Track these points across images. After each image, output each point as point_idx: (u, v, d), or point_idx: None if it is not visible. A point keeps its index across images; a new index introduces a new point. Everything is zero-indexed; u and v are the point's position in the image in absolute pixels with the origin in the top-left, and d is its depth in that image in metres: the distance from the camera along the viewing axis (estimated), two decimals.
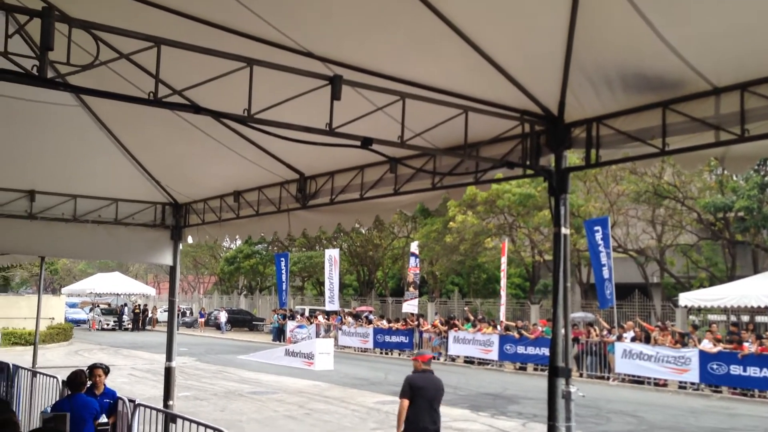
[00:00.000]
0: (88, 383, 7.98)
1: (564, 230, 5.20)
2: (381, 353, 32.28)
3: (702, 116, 4.47)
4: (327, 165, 7.29)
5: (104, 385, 8.31)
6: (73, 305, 53.60)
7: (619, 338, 23.23)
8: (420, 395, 8.32)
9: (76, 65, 3.63)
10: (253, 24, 4.85)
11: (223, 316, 48.22)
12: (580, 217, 30.53)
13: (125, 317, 50.60)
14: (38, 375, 11.70)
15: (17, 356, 20.08)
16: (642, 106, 4.78)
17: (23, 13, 3.49)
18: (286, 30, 4.92)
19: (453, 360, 28.73)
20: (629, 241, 34.13)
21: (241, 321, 50.06)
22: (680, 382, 21.51)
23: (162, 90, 4.10)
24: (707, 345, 21.00)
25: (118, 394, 8.59)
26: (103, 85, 4.60)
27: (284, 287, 38.27)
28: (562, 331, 5.14)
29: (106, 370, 8.44)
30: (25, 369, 12.30)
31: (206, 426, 7.27)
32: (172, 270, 10.24)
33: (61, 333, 35.22)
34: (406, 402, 8.27)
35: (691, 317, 30.20)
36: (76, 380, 7.68)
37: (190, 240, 10.40)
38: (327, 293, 36.63)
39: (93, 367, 8.32)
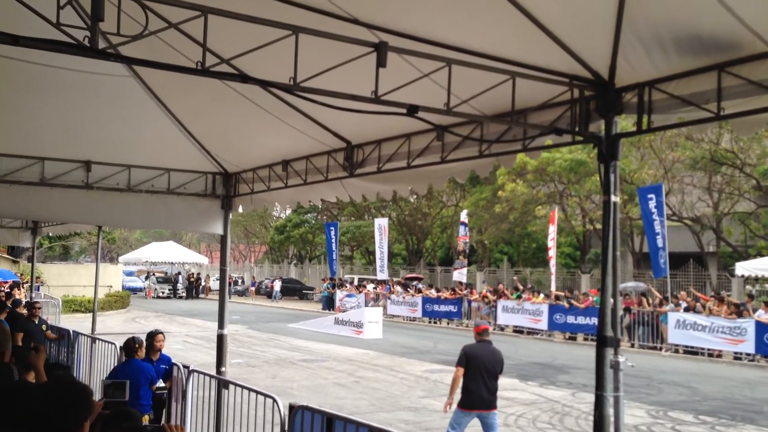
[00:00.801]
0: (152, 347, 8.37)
1: (614, 198, 5.10)
2: (430, 322, 32.44)
3: (759, 79, 4.30)
4: (374, 133, 7.27)
5: (161, 351, 8.57)
6: (129, 273, 55.22)
7: (676, 306, 22.75)
8: (475, 364, 8.50)
9: (126, 36, 3.68)
10: None
11: (277, 285, 48.94)
12: (634, 184, 29.94)
13: (179, 285, 51.86)
14: (97, 341, 12.12)
15: (78, 323, 20.83)
16: (696, 69, 4.63)
17: None
18: None
19: (502, 329, 28.71)
20: (684, 209, 33.37)
21: (292, 290, 50.82)
22: (735, 352, 21.10)
23: (210, 59, 4.14)
24: (763, 315, 20.50)
25: (173, 360, 8.85)
26: (152, 55, 4.66)
27: (334, 256, 38.71)
28: (611, 300, 5.07)
29: (164, 337, 8.74)
30: (84, 335, 12.76)
31: (258, 392, 7.44)
32: (223, 239, 10.41)
33: (119, 300, 36.36)
34: (461, 370, 8.52)
35: (747, 287, 29.49)
36: (131, 346, 7.94)
37: (240, 209, 10.55)
38: (378, 262, 37.00)
39: (154, 333, 8.61)
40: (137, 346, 8.02)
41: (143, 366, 7.90)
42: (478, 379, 8.52)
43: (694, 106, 4.70)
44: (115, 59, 4.03)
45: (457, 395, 8.75)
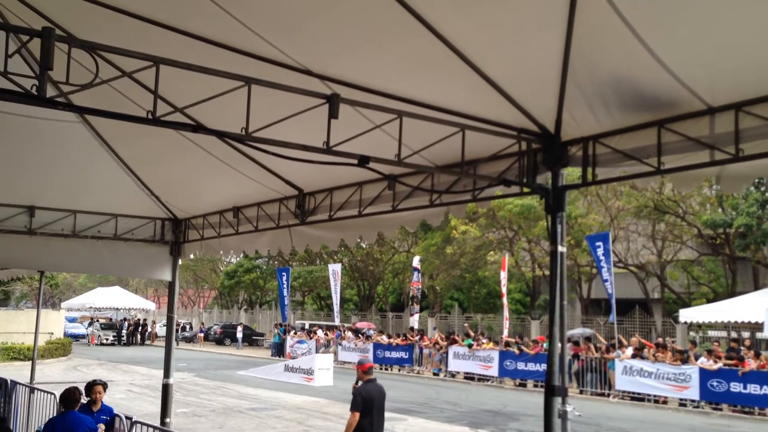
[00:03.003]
0: (84, 400, 7.95)
1: (560, 248, 5.21)
2: (381, 369, 32.17)
3: (697, 135, 4.49)
4: (325, 181, 7.31)
5: (101, 402, 8.28)
6: (72, 320, 53.55)
7: (639, 353, 22.96)
8: (371, 405, 8.26)
9: (76, 84, 3.66)
10: (251, 41, 4.90)
11: (239, 332, 47.88)
12: (581, 231, 30.55)
13: (124, 332, 50.47)
14: (36, 391, 11.68)
15: (16, 371, 20.05)
16: (638, 124, 4.81)
17: (24, 33, 3.53)
18: (285, 47, 4.96)
19: (453, 376, 28.63)
20: (630, 256, 34.12)
21: (242, 336, 49.91)
22: (680, 399, 21.42)
23: (162, 107, 4.14)
24: (706, 362, 20.93)
25: (115, 411, 8.57)
26: (103, 103, 4.63)
27: (286, 302, 38.32)
28: (559, 348, 5.14)
29: (105, 387, 8.42)
30: (23, 385, 12.28)
31: None
32: (171, 285, 10.24)
33: (60, 348, 35.13)
34: (357, 416, 8.17)
35: (691, 333, 30.14)
36: (69, 397, 7.63)
37: (191, 256, 10.41)
38: (335, 308, 36.88)
39: (92, 384, 8.29)
40: (78, 396, 7.73)
41: (81, 418, 7.60)
42: (375, 419, 8.32)
43: (636, 160, 4.87)
44: (64, 108, 3.99)
45: None
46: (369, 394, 8.29)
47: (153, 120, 3.96)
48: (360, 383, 8.57)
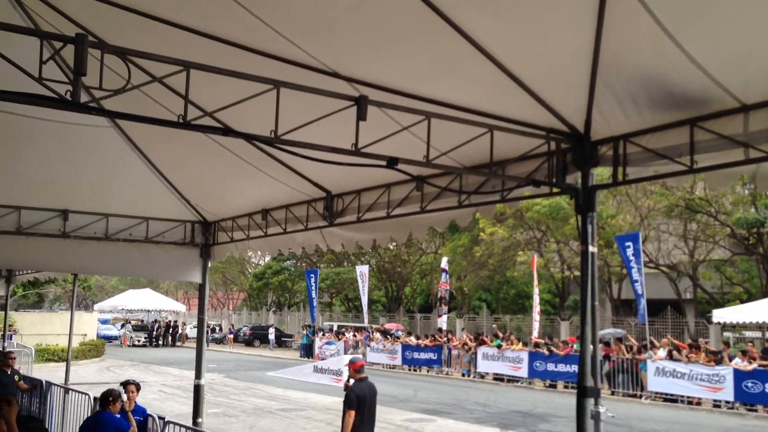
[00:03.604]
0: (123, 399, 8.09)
1: (591, 248, 5.16)
2: (409, 370, 32.14)
3: (730, 134, 4.42)
4: (354, 183, 7.33)
5: (135, 402, 8.35)
6: (104, 321, 54.32)
7: (670, 355, 22.68)
8: (364, 404, 8.44)
9: (109, 90, 3.72)
10: (280, 45, 4.93)
11: (272, 333, 48.14)
12: (611, 232, 30.24)
13: (155, 333, 51.05)
14: (70, 392, 11.85)
15: (51, 373, 20.39)
16: (669, 123, 4.75)
17: (58, 40, 3.59)
18: (313, 51, 4.98)
19: (482, 377, 28.50)
20: (661, 256, 33.69)
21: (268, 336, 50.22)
22: (714, 400, 21.09)
23: (192, 112, 4.18)
24: (740, 363, 20.59)
25: (148, 411, 8.67)
26: (134, 108, 4.69)
27: (314, 303, 38.55)
28: (591, 349, 5.09)
29: (138, 387, 8.48)
30: (57, 386, 12.47)
31: None
32: (201, 287, 10.34)
33: (94, 349, 35.66)
34: (353, 414, 8.34)
35: (725, 334, 29.67)
36: (102, 397, 7.74)
37: (222, 258, 10.50)
38: (364, 309, 37.08)
39: (126, 384, 8.36)
40: (111, 399, 7.81)
41: (111, 418, 7.65)
42: (366, 416, 8.50)
43: (667, 159, 4.81)
44: (97, 113, 4.05)
45: None
46: (362, 392, 8.49)
47: (184, 124, 4.00)
48: (352, 382, 8.74)
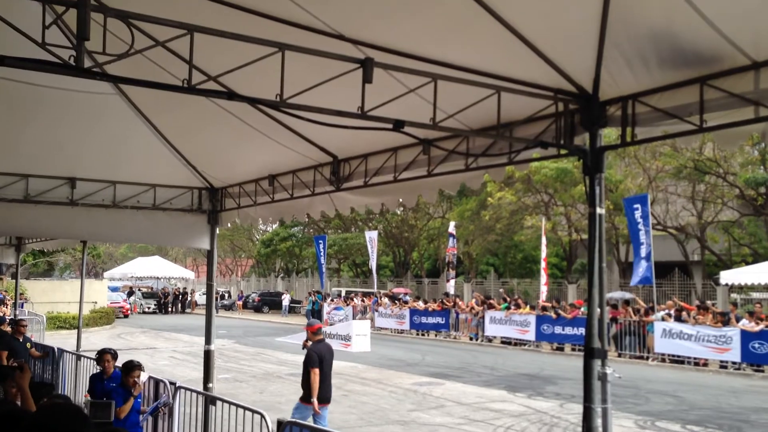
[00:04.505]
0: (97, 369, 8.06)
1: (599, 210, 5.14)
2: (417, 334, 32.40)
3: (741, 92, 4.36)
4: (360, 147, 7.29)
5: (114, 368, 8.11)
6: (114, 289, 54.84)
7: (667, 315, 22.78)
8: (323, 363, 9.33)
9: (112, 54, 3.69)
10: (284, 7, 4.86)
11: (286, 299, 48.29)
12: (619, 194, 30.14)
13: (164, 300, 51.45)
14: (82, 358, 12.01)
15: (63, 340, 20.64)
16: (679, 82, 4.69)
17: (60, 4, 3.55)
18: (317, 12, 4.92)
19: (490, 341, 28.72)
20: (669, 218, 33.61)
21: (279, 303, 50.66)
22: (721, 361, 21.21)
23: (196, 76, 4.15)
24: (747, 324, 20.65)
25: (160, 377, 8.77)
26: (138, 73, 4.66)
27: (323, 269, 38.79)
28: (598, 311, 5.10)
29: (115, 356, 8.22)
30: (69, 352, 12.63)
31: (245, 408, 7.39)
32: (210, 254, 10.39)
33: (104, 317, 36.02)
34: (317, 371, 9.23)
35: (732, 295, 29.71)
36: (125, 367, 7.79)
37: (228, 225, 10.53)
38: (373, 274, 37.34)
39: (102, 352, 8.14)
40: (126, 366, 7.79)
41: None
42: (326, 376, 9.39)
43: (677, 119, 4.76)
44: (101, 78, 4.02)
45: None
46: (320, 352, 9.34)
47: (188, 89, 3.97)
48: (311, 343, 9.59)
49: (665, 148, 29.43)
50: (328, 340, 27.78)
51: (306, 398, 9.32)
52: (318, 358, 9.25)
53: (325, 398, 9.41)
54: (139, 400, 7.76)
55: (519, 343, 27.35)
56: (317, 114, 4.45)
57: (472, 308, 30.15)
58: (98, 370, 8.11)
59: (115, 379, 8.00)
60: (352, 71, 4.41)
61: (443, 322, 31.42)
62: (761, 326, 20.32)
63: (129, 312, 45.39)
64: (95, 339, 28.12)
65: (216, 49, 4.72)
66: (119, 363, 8.06)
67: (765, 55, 4.24)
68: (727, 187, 31.18)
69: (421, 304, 33.32)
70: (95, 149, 8.67)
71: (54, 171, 8.85)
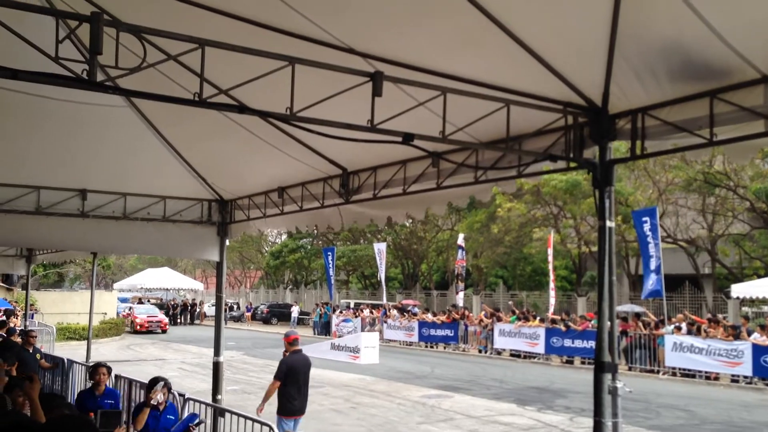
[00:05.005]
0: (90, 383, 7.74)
1: (609, 223, 5.13)
2: (426, 347, 32.30)
3: (751, 105, 4.35)
4: (369, 160, 7.31)
5: (106, 385, 7.96)
6: (124, 300, 54.96)
7: (678, 328, 22.64)
8: (294, 375, 9.13)
9: (125, 68, 3.72)
10: (294, 21, 4.90)
11: (295, 311, 48.28)
12: (629, 207, 30.04)
13: (173, 311, 51.36)
14: None
15: (72, 351, 20.69)
16: (688, 95, 4.68)
17: (73, 18, 3.59)
18: (327, 26, 4.95)
19: (499, 353, 28.59)
20: (679, 231, 33.46)
21: (288, 315, 50.62)
22: (732, 375, 21.03)
23: (207, 89, 4.18)
24: (759, 338, 20.48)
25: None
26: (150, 87, 4.70)
27: (332, 281, 38.80)
28: (608, 324, 5.08)
29: (109, 370, 8.07)
30: (79, 363, 12.66)
31: (254, 420, 7.39)
32: (219, 266, 10.41)
33: (114, 328, 36.10)
34: (278, 384, 9.09)
35: (744, 309, 29.49)
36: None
37: (237, 237, 10.57)
38: (383, 286, 37.35)
39: (96, 366, 7.92)
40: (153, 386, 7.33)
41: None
42: (299, 388, 9.17)
43: (686, 132, 4.75)
44: (114, 92, 4.06)
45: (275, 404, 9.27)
46: (293, 364, 9.15)
47: (199, 102, 4.00)
48: (288, 354, 9.34)
49: (675, 160, 29.36)
50: (337, 352, 27.64)
51: (279, 410, 9.18)
52: (287, 370, 9.11)
53: (296, 410, 9.22)
54: (170, 417, 7.23)
55: (528, 356, 27.22)
56: (327, 127, 4.47)
57: (481, 320, 30.05)
58: (89, 385, 7.82)
59: (109, 396, 7.74)
60: (362, 84, 4.43)
61: (452, 334, 31.31)
62: None
63: (167, 326, 41.72)
64: (105, 350, 28.18)
65: (227, 62, 4.76)
66: (131, 374, 8.00)
67: None
68: (738, 200, 31.04)
69: (430, 317, 33.24)
70: (106, 161, 8.73)
71: (65, 183, 8.91)
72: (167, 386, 7.26)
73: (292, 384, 9.11)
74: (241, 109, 4.48)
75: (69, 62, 3.52)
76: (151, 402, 7.06)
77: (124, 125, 7.79)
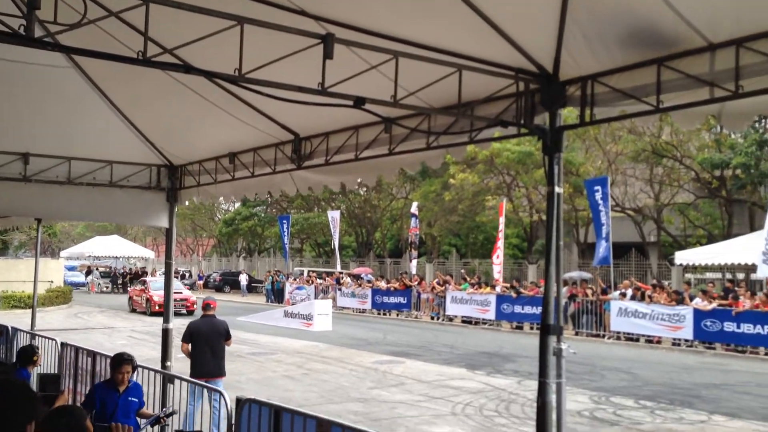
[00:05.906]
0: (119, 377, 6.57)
1: (557, 189, 5.18)
2: (379, 314, 32.55)
3: (697, 73, 4.42)
4: (321, 126, 7.24)
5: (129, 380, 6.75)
6: (71, 268, 53.89)
7: (623, 294, 23.28)
8: (198, 338, 9.53)
9: (64, 24, 3.58)
10: None
11: (243, 279, 48.05)
12: (579, 177, 30.53)
13: (122, 280, 50.58)
14: (37, 337, 11.79)
15: (17, 319, 20.25)
16: (637, 63, 4.73)
17: None
18: None
19: (450, 320, 28.98)
20: (627, 200, 34.20)
21: (240, 282, 50.42)
22: (674, 339, 21.75)
23: (152, 49, 4.05)
24: (700, 303, 21.18)
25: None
26: (92, 45, 4.54)
27: (287, 249, 38.69)
28: (554, 289, 5.17)
29: (134, 367, 6.88)
30: (24, 331, 12.39)
31: (204, 386, 7.36)
32: (168, 232, 10.24)
33: (61, 296, 35.41)
34: (185, 345, 9.61)
35: (687, 275, 30.41)
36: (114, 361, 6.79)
37: (186, 203, 10.39)
38: (336, 254, 37.39)
39: (121, 363, 6.64)
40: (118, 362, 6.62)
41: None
42: (204, 351, 9.49)
43: (634, 99, 4.81)
44: (53, 48, 3.91)
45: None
46: (197, 327, 9.63)
47: (143, 61, 3.88)
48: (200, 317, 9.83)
49: (624, 131, 29.88)
50: (290, 320, 27.73)
51: (190, 372, 9.39)
52: (190, 333, 9.54)
53: (206, 372, 9.31)
54: (132, 399, 6.57)
55: (479, 322, 27.67)
56: (277, 90, 4.39)
57: (434, 288, 30.38)
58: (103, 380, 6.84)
59: (133, 393, 6.69)
60: (313, 47, 4.35)
61: (405, 301, 31.60)
62: (713, 305, 20.86)
63: (195, 306, 31.01)
64: (51, 318, 27.65)
65: (172, 21, 4.61)
66: (77, 342, 7.83)
67: (721, 37, 4.30)
68: (684, 170, 31.82)
69: (383, 284, 33.45)
70: (49, 124, 8.44)
71: (6, 146, 8.59)
72: (132, 364, 6.63)
73: (200, 347, 9.48)
74: (187, 68, 4.37)
75: (5, 17, 3.37)
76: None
77: (68, 86, 7.53)
